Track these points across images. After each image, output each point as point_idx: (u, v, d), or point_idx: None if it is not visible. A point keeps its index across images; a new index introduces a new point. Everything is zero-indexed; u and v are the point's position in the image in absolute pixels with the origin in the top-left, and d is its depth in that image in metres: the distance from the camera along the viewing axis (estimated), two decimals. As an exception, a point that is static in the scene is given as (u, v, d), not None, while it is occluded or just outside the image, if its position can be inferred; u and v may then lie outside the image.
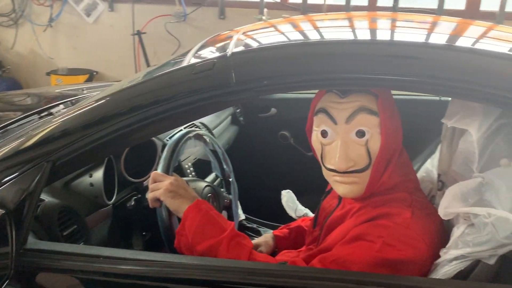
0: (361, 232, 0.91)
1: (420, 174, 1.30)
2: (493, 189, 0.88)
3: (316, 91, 0.99)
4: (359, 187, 0.95)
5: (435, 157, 1.31)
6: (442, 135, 1.15)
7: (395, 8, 3.21)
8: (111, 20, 3.82)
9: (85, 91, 1.90)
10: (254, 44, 1.00)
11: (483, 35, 1.08)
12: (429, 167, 1.30)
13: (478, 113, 0.93)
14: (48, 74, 3.76)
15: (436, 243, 0.92)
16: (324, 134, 0.96)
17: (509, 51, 0.91)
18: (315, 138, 0.99)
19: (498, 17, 3.13)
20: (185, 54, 1.23)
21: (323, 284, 0.77)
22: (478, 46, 0.97)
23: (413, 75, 0.83)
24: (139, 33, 3.57)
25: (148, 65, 3.53)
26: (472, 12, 3.23)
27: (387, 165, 0.96)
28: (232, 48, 0.94)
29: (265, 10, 3.41)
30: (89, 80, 3.73)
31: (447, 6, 3.17)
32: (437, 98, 1.97)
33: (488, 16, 3.16)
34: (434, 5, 3.18)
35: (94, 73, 3.82)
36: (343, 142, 0.93)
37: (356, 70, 0.82)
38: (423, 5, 3.38)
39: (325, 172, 0.99)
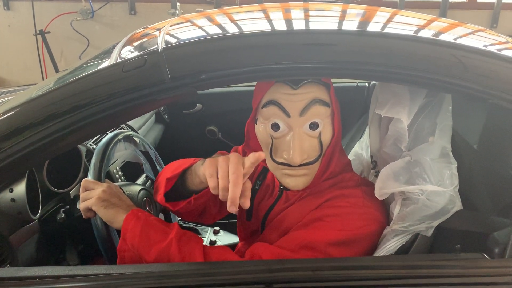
0: (321, 214, 0.92)
1: (350, 157, 1.36)
2: (420, 165, 0.95)
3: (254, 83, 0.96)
4: (308, 178, 0.94)
5: (363, 140, 1.37)
6: (369, 120, 1.20)
7: (305, -1, 3.30)
8: (8, 20, 3.51)
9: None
10: (184, 38, 0.95)
11: (390, 20, 1.10)
12: (359, 150, 1.36)
13: (406, 99, 0.97)
14: None
15: (386, 211, 0.98)
16: (275, 127, 0.92)
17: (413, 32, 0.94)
18: (263, 131, 0.94)
19: (399, 5, 3.37)
20: (104, 54, 1.15)
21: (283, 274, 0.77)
22: (387, 30, 0.96)
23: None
24: (42, 33, 3.31)
25: (55, 66, 3.29)
26: (376, 1, 3.42)
27: (334, 154, 0.97)
28: (161, 43, 0.90)
29: (178, 4, 3.34)
30: (-12, 86, 3.41)
31: (353, -4, 3.34)
32: (355, 84, 2.06)
33: (391, 5, 3.38)
34: (341, -5, 3.33)
35: (-7, 77, 3.51)
36: (297, 136, 0.90)
37: (304, 60, 0.81)
38: (331, -4, 3.53)
39: (273, 166, 0.95)
